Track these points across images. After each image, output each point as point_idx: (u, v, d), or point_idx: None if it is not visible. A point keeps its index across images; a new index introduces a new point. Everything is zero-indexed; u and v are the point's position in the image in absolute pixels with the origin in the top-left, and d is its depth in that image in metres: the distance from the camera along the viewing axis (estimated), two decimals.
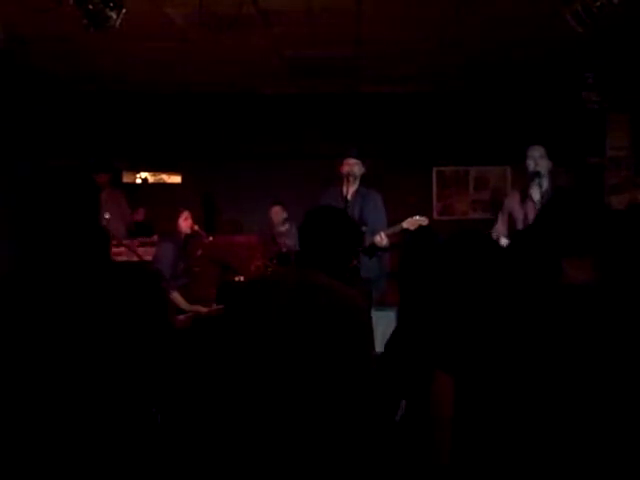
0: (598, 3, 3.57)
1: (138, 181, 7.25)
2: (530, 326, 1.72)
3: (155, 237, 5.67)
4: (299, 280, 2.03)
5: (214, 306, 4.87)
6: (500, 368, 1.73)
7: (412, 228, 4.63)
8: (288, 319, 1.92)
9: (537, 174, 4.53)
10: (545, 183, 4.54)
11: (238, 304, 2.08)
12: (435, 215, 7.29)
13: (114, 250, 5.02)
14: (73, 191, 1.95)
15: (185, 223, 5.07)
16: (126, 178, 7.18)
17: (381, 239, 4.65)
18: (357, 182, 4.90)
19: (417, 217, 4.68)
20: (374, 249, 4.80)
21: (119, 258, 5.02)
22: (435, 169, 7.41)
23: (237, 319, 2.04)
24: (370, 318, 2.04)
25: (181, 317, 4.62)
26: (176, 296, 4.77)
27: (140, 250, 5.24)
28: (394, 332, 2.04)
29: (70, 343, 1.82)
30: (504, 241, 4.71)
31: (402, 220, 4.71)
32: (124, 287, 1.93)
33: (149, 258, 5.09)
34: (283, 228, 6.24)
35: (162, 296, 2.12)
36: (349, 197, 4.78)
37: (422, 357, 1.97)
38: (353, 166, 4.84)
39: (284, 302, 1.97)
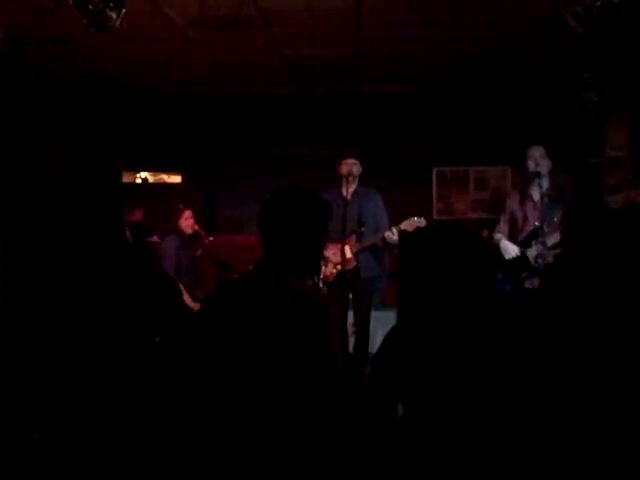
0: (598, 3, 3.57)
1: (138, 181, 7.25)
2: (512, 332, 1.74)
3: (155, 237, 5.67)
4: (260, 288, 1.94)
5: None
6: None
7: (410, 230, 4.65)
8: (248, 328, 1.88)
9: (537, 174, 4.53)
10: (545, 183, 4.54)
11: (204, 315, 2.04)
12: (435, 215, 7.30)
13: None
14: (97, 185, 1.99)
15: (186, 222, 5.08)
16: (126, 178, 7.18)
17: (392, 234, 4.66)
18: (356, 182, 4.91)
19: (415, 219, 4.70)
20: (379, 248, 4.81)
21: None
22: (435, 169, 7.41)
23: (203, 330, 2.00)
24: (330, 315, 1.97)
25: None
26: (183, 292, 4.78)
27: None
28: (389, 333, 2.02)
29: (82, 327, 1.82)
30: (505, 242, 4.71)
31: (401, 221, 4.73)
32: (137, 269, 1.94)
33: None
34: None
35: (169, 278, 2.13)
36: (348, 197, 4.78)
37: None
38: (352, 166, 4.85)
39: (244, 313, 1.91)
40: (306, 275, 2.08)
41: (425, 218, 4.77)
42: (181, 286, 4.80)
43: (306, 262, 2.02)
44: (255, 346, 1.85)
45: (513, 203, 4.76)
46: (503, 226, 4.80)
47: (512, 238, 4.70)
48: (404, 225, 4.69)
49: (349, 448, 1.81)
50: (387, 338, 1.98)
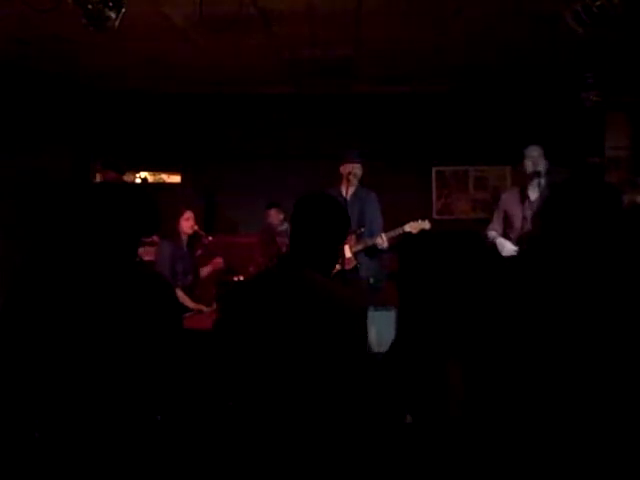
0: (598, 3, 3.56)
1: (138, 181, 7.25)
2: (528, 311, 1.72)
3: (155, 237, 5.66)
4: (292, 282, 2.00)
5: (215, 305, 4.88)
6: (506, 353, 1.73)
7: (414, 231, 4.64)
8: (282, 323, 1.90)
9: (537, 174, 4.52)
10: (543, 183, 4.54)
11: (230, 308, 2.06)
12: (435, 215, 7.29)
13: None
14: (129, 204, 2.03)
15: (186, 223, 5.08)
16: (126, 178, 7.17)
17: (382, 241, 4.66)
18: (356, 182, 4.91)
19: (420, 221, 4.69)
20: (374, 250, 4.81)
21: None
22: (435, 169, 7.41)
23: (230, 324, 2.02)
24: (365, 318, 2.03)
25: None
26: (180, 294, 4.77)
27: (139, 250, 5.23)
28: (397, 335, 2.03)
29: (79, 339, 1.83)
30: (500, 240, 4.69)
31: (402, 221, 4.71)
32: (141, 289, 1.95)
33: (149, 258, 5.08)
34: (282, 228, 6.24)
35: (175, 302, 2.14)
36: (348, 198, 4.78)
37: (431, 354, 1.97)
38: (354, 167, 4.85)
39: (277, 306, 1.94)
40: (328, 274, 2.19)
41: (425, 218, 4.76)
42: (179, 291, 4.80)
43: (328, 261, 2.17)
44: (294, 344, 1.88)
45: (510, 202, 4.72)
46: (497, 224, 4.76)
47: (506, 236, 4.67)
48: (408, 227, 4.68)
49: (360, 449, 1.83)
50: (391, 348, 1.99)
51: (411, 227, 4.67)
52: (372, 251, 4.83)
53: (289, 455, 1.80)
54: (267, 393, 1.86)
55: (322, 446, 1.80)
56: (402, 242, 4.81)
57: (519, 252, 4.54)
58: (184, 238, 5.11)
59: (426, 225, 4.67)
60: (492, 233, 4.75)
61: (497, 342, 1.76)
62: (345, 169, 4.87)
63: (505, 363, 1.73)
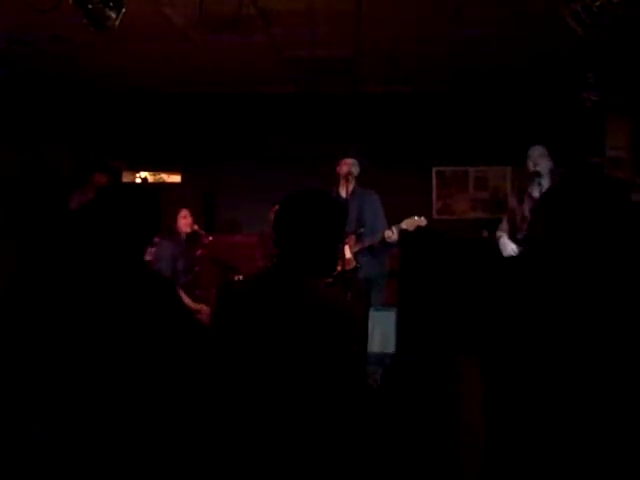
0: (598, 3, 3.56)
1: (138, 181, 7.25)
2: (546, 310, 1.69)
3: (155, 237, 5.66)
4: (288, 288, 1.94)
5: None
6: (522, 350, 1.69)
7: (411, 229, 4.65)
8: (276, 330, 1.87)
9: (537, 174, 4.55)
10: (545, 182, 4.55)
11: (224, 312, 2.02)
12: (435, 215, 7.29)
13: None
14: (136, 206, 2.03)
15: (184, 221, 5.08)
16: (126, 178, 7.18)
17: (392, 233, 4.66)
18: (354, 182, 4.91)
19: (415, 218, 4.70)
20: (379, 247, 4.81)
21: None
22: (435, 169, 7.41)
23: (223, 328, 1.99)
24: (364, 323, 1.98)
25: None
26: (181, 294, 4.77)
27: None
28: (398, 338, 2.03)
29: (81, 339, 1.83)
30: (504, 240, 4.74)
31: (401, 220, 4.72)
32: (144, 289, 1.95)
33: (149, 258, 5.08)
34: None
35: (179, 301, 2.14)
36: (347, 197, 4.78)
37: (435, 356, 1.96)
38: (351, 166, 4.85)
39: (271, 313, 1.89)
40: (323, 276, 2.08)
41: (425, 218, 4.77)
42: (180, 291, 4.81)
43: (326, 263, 2.04)
44: (280, 350, 1.84)
45: (512, 203, 4.80)
46: (505, 225, 4.85)
47: (512, 237, 4.73)
48: (405, 224, 4.69)
49: (357, 452, 1.81)
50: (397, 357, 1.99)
51: (407, 224, 4.69)
52: (376, 248, 4.82)
53: (280, 459, 1.79)
54: (260, 399, 1.84)
55: (314, 451, 1.79)
56: (402, 241, 4.81)
57: (519, 252, 4.57)
58: (183, 236, 5.12)
59: (422, 222, 4.68)
60: (499, 233, 4.83)
61: (517, 349, 1.72)
62: (342, 169, 4.87)
63: (529, 370, 1.68)
